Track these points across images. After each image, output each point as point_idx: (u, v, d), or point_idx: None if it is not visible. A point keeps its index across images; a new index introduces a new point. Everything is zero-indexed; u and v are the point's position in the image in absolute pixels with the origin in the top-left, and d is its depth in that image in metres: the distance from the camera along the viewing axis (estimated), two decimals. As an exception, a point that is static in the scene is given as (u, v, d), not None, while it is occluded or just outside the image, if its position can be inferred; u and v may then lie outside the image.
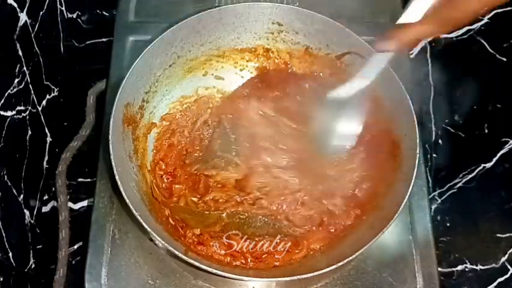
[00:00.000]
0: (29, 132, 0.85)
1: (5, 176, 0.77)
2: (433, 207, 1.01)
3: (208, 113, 0.88)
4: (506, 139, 0.89)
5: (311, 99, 0.80)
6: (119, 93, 0.75)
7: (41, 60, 0.88)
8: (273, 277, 0.70)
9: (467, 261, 0.96)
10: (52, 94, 0.95)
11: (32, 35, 0.84)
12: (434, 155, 1.03)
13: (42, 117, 0.91)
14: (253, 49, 0.90)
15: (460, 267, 0.96)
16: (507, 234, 0.90)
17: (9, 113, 0.77)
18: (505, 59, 0.89)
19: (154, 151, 0.84)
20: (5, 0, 0.74)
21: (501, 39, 0.88)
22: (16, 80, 0.79)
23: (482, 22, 0.91)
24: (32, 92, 0.86)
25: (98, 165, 0.83)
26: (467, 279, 0.96)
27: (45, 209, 0.94)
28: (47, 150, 0.94)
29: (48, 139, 0.94)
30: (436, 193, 1.03)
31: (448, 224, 1.01)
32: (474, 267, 0.95)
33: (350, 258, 0.66)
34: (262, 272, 0.72)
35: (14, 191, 0.80)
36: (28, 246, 0.87)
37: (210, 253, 0.73)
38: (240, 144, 0.82)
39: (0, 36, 0.75)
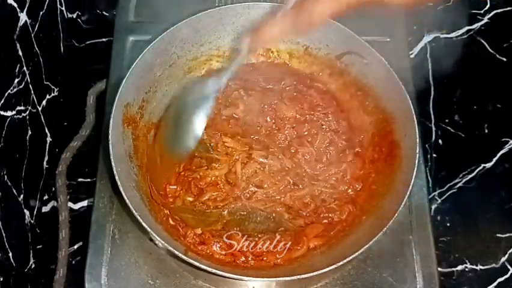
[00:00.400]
0: (29, 132, 0.85)
1: (5, 176, 0.77)
2: (433, 207, 1.01)
3: None
4: (506, 139, 0.89)
5: None
6: (119, 93, 0.75)
7: (41, 60, 0.88)
8: (273, 277, 0.70)
9: (467, 261, 0.96)
10: (52, 94, 0.95)
11: (32, 35, 0.84)
12: (434, 155, 1.03)
13: (42, 117, 0.91)
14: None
15: (460, 267, 0.96)
16: (507, 234, 0.90)
17: (9, 113, 0.77)
18: (505, 59, 0.89)
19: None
20: (5, 0, 0.74)
21: (501, 39, 0.89)
22: (16, 80, 0.79)
23: (482, 22, 0.91)
24: (32, 92, 0.86)
25: (98, 165, 0.83)
26: (467, 279, 0.96)
27: (45, 209, 0.94)
28: (47, 150, 0.94)
29: (48, 139, 0.94)
30: (436, 193, 1.03)
31: (448, 224, 1.01)
32: (474, 267, 0.95)
33: (350, 258, 0.66)
34: (262, 272, 0.72)
35: (14, 191, 0.80)
36: (28, 246, 0.87)
37: (211, 252, 0.73)
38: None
39: (0, 36, 0.75)
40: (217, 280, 0.76)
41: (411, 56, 1.02)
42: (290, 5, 0.59)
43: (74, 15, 1.04)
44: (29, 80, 0.83)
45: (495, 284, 0.92)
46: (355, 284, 0.77)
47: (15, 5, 0.77)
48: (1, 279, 0.76)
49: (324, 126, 0.83)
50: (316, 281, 0.77)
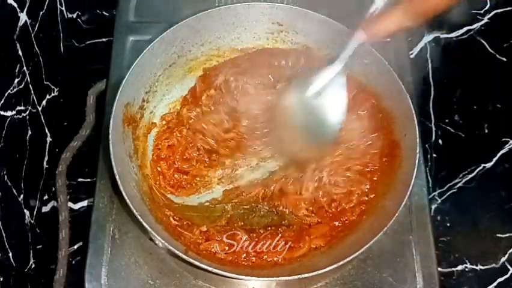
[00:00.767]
0: (29, 132, 0.85)
1: (5, 176, 0.77)
2: (433, 207, 1.01)
3: None
4: (506, 139, 0.89)
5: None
6: (119, 93, 0.75)
7: (41, 60, 0.88)
8: (273, 277, 0.70)
9: (467, 261, 0.96)
10: (52, 94, 0.95)
11: (32, 35, 0.84)
12: (434, 155, 1.03)
13: (42, 117, 0.91)
14: (253, 49, 0.90)
15: (460, 267, 0.96)
16: (507, 234, 0.90)
17: (9, 113, 0.77)
18: (505, 59, 0.89)
19: (153, 151, 0.84)
20: (5, 0, 0.74)
21: (501, 39, 0.89)
22: (16, 80, 0.79)
23: (482, 22, 0.91)
24: (32, 92, 0.86)
25: (98, 165, 0.83)
26: (467, 279, 0.96)
27: (45, 209, 0.94)
28: (47, 150, 0.94)
29: (48, 139, 0.94)
30: (436, 193, 1.03)
31: (448, 224, 1.01)
32: (474, 267, 0.95)
33: (350, 258, 0.66)
34: (262, 271, 0.72)
35: (14, 191, 0.80)
36: (28, 246, 0.87)
37: (213, 251, 0.73)
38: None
39: (0, 36, 0.75)
40: (217, 280, 0.76)
41: (411, 56, 1.02)
42: None
43: (74, 15, 1.04)
44: (29, 80, 0.83)
45: (495, 284, 0.92)
46: (355, 284, 0.77)
47: (15, 5, 0.77)
48: (1, 279, 0.76)
49: None
50: (316, 281, 0.77)
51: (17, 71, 0.79)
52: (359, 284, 0.77)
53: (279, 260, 0.73)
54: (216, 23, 0.86)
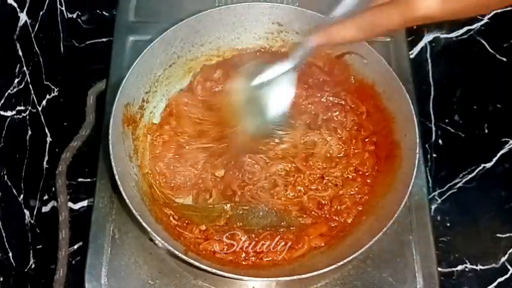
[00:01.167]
0: (29, 132, 0.85)
1: (5, 176, 0.77)
2: (433, 207, 1.01)
3: None
4: (506, 139, 0.90)
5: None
6: (119, 93, 0.75)
7: (41, 60, 0.88)
8: (273, 277, 0.70)
9: (467, 261, 0.96)
10: (52, 94, 0.95)
11: (32, 35, 0.84)
12: (434, 155, 1.03)
13: (42, 117, 0.91)
14: (252, 49, 0.90)
15: (460, 267, 0.96)
16: (507, 234, 0.91)
17: (9, 113, 0.77)
18: (505, 59, 0.89)
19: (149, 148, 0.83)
20: (5, 0, 0.74)
21: (501, 39, 0.89)
22: (16, 80, 0.79)
23: (482, 22, 0.92)
24: (32, 92, 0.86)
25: (98, 165, 0.83)
26: (467, 279, 0.96)
27: (45, 209, 0.94)
28: (47, 150, 0.94)
29: (48, 139, 0.94)
30: (436, 193, 1.03)
31: (448, 224, 1.01)
32: (474, 267, 0.95)
33: (350, 258, 0.66)
34: (262, 272, 0.72)
35: (14, 191, 0.80)
36: (28, 246, 0.87)
37: (212, 251, 0.73)
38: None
39: (0, 36, 0.75)
40: (217, 280, 0.76)
41: (411, 56, 1.02)
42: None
43: (74, 15, 1.04)
44: (29, 80, 0.83)
45: (495, 284, 0.92)
46: (355, 284, 0.77)
47: (15, 5, 0.77)
48: (1, 279, 0.76)
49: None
50: (316, 281, 0.77)
51: (17, 71, 0.79)
52: (359, 284, 0.77)
53: (279, 260, 0.73)
54: (216, 23, 0.86)
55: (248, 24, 0.87)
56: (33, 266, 0.87)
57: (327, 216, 0.77)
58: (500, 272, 0.91)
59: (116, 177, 0.69)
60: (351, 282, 0.77)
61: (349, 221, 0.76)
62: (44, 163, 0.93)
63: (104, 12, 1.11)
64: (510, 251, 0.90)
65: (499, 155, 0.92)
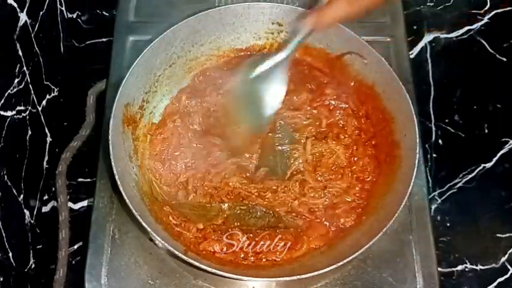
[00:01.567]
0: (29, 132, 0.85)
1: (5, 176, 0.77)
2: (433, 207, 1.01)
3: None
4: (506, 139, 0.90)
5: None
6: (119, 93, 0.75)
7: (41, 60, 0.88)
8: (273, 277, 0.70)
9: (467, 261, 0.96)
10: (52, 94, 0.95)
11: (32, 35, 0.84)
12: (434, 155, 1.03)
13: (42, 117, 0.91)
14: (253, 49, 0.90)
15: (460, 267, 0.96)
16: (507, 234, 0.91)
17: (9, 113, 0.77)
18: (505, 59, 0.89)
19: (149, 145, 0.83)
20: (5, 0, 0.74)
21: (501, 39, 0.89)
22: (16, 80, 0.79)
23: (482, 22, 0.92)
24: (32, 92, 0.86)
25: (98, 165, 0.83)
26: (467, 279, 0.96)
27: (45, 209, 0.94)
28: (47, 150, 0.94)
29: (48, 139, 0.94)
30: (436, 193, 1.03)
31: (448, 224, 1.01)
32: (474, 267, 0.95)
33: (350, 258, 0.66)
34: (262, 272, 0.72)
35: (14, 191, 0.80)
36: (28, 246, 0.87)
37: (212, 250, 0.73)
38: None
39: (0, 36, 0.75)
40: (217, 280, 0.76)
41: (411, 56, 1.02)
42: None
43: (74, 15, 1.04)
44: (29, 80, 0.83)
45: (495, 284, 0.92)
46: (355, 284, 0.77)
47: (15, 5, 0.77)
48: (1, 279, 0.76)
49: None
50: (316, 281, 0.77)
51: (17, 71, 0.79)
52: (359, 284, 0.77)
53: (279, 261, 0.73)
54: (216, 23, 0.86)
55: (248, 24, 0.87)
56: (33, 266, 0.87)
57: (320, 220, 0.77)
58: (500, 272, 0.91)
59: (116, 177, 0.69)
60: (351, 282, 0.77)
61: (347, 225, 0.76)
62: (44, 163, 0.93)
63: (104, 12, 1.11)
64: (510, 251, 0.90)
65: (499, 155, 0.92)
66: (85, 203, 0.99)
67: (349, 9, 0.59)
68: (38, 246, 0.89)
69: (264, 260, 0.74)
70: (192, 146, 0.82)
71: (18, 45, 0.79)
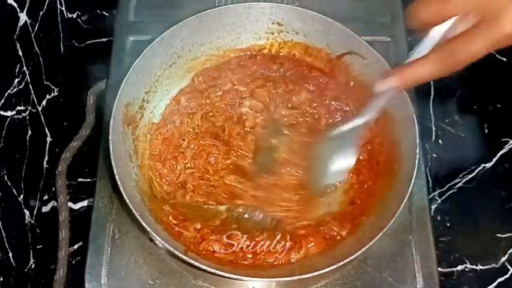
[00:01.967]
0: (29, 132, 0.85)
1: (5, 176, 0.77)
2: (433, 207, 1.01)
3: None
4: (506, 139, 0.90)
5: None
6: (119, 93, 0.75)
7: (41, 60, 0.88)
8: (273, 277, 0.70)
9: (467, 261, 0.96)
10: (52, 94, 0.95)
11: (32, 35, 0.84)
12: (434, 155, 1.03)
13: (42, 117, 0.91)
14: (253, 49, 0.90)
15: (460, 267, 0.96)
16: (507, 234, 0.91)
17: (9, 113, 0.77)
18: (505, 59, 0.89)
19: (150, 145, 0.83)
20: (5, 0, 0.74)
21: (501, 39, 0.88)
22: (16, 80, 0.79)
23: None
24: (32, 92, 0.86)
25: (98, 165, 0.83)
26: (467, 279, 0.96)
27: (45, 209, 0.94)
28: (47, 150, 0.94)
29: (48, 139, 0.94)
30: (436, 193, 1.03)
31: (448, 224, 1.01)
32: (474, 267, 0.95)
33: (350, 258, 0.66)
34: (262, 272, 0.72)
35: (14, 191, 0.80)
36: (28, 246, 0.87)
37: (212, 250, 0.73)
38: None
39: (0, 36, 0.75)
40: (217, 280, 0.76)
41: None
42: (431, 43, 0.54)
43: (74, 15, 1.04)
44: (29, 80, 0.83)
45: (495, 284, 0.92)
46: (355, 284, 0.77)
47: (15, 5, 0.77)
48: (1, 279, 0.76)
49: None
50: (316, 281, 0.77)
51: (17, 71, 0.79)
52: (359, 284, 0.77)
53: (278, 261, 0.73)
54: (216, 23, 0.85)
55: (248, 24, 0.87)
56: (33, 266, 0.87)
57: (315, 229, 0.77)
58: (500, 272, 0.91)
59: (116, 177, 0.69)
60: (351, 282, 0.77)
61: (343, 234, 0.75)
62: (44, 163, 0.93)
63: (104, 12, 1.11)
64: (510, 251, 0.90)
65: (499, 155, 0.92)
66: (85, 203, 0.99)
67: (439, 67, 0.52)
68: (38, 246, 0.89)
69: (264, 259, 0.74)
70: (190, 146, 0.82)
71: (18, 45, 0.79)
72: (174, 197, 0.79)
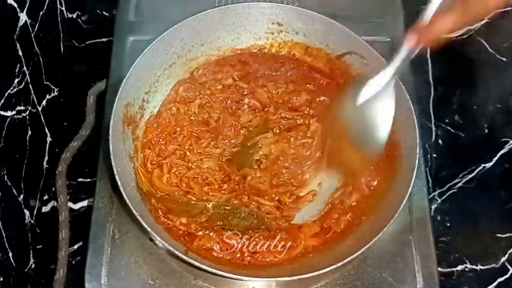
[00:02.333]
0: (29, 132, 0.85)
1: (5, 176, 0.77)
2: (433, 207, 1.01)
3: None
4: (506, 139, 0.89)
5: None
6: (119, 93, 0.75)
7: (41, 60, 0.88)
8: (273, 277, 0.70)
9: (467, 261, 0.96)
10: (52, 94, 0.95)
11: (32, 35, 0.84)
12: (434, 155, 1.03)
13: (42, 117, 0.91)
14: (253, 49, 0.90)
15: (460, 267, 0.96)
16: (507, 234, 0.90)
17: (9, 113, 0.77)
18: (505, 59, 0.89)
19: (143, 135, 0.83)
20: (5, 0, 0.74)
21: (501, 39, 0.89)
22: (16, 80, 0.79)
23: (482, 22, 0.91)
24: (32, 92, 0.86)
25: (98, 165, 0.83)
26: (467, 279, 0.96)
27: (45, 209, 0.94)
28: (47, 150, 0.94)
29: (48, 139, 0.94)
30: (436, 193, 1.03)
31: (448, 224, 1.01)
32: (474, 267, 0.95)
33: (350, 258, 0.66)
34: (262, 272, 0.72)
35: (14, 191, 0.81)
36: (28, 246, 0.87)
37: (211, 248, 0.73)
38: None
39: (0, 36, 0.75)
40: (217, 280, 0.76)
41: (411, 56, 1.02)
42: None
43: (74, 15, 1.04)
44: (29, 80, 0.83)
45: (495, 284, 0.92)
46: (355, 284, 0.77)
47: (15, 5, 0.77)
48: (1, 279, 0.76)
49: None
50: (316, 281, 0.77)
51: (17, 71, 0.79)
52: (359, 284, 0.77)
53: (278, 261, 0.73)
54: (216, 23, 0.86)
55: (248, 24, 0.87)
56: (33, 266, 0.87)
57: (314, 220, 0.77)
58: (500, 272, 0.91)
59: (116, 177, 0.69)
60: (351, 282, 0.77)
61: (338, 230, 0.76)
62: (44, 163, 0.93)
63: (104, 12, 1.11)
64: (510, 251, 0.90)
65: (499, 155, 0.92)
66: (85, 203, 0.99)
67: (459, 19, 0.55)
68: (38, 246, 0.89)
69: (263, 259, 0.74)
70: (183, 132, 0.83)
71: (18, 45, 0.79)
72: (151, 181, 0.78)
